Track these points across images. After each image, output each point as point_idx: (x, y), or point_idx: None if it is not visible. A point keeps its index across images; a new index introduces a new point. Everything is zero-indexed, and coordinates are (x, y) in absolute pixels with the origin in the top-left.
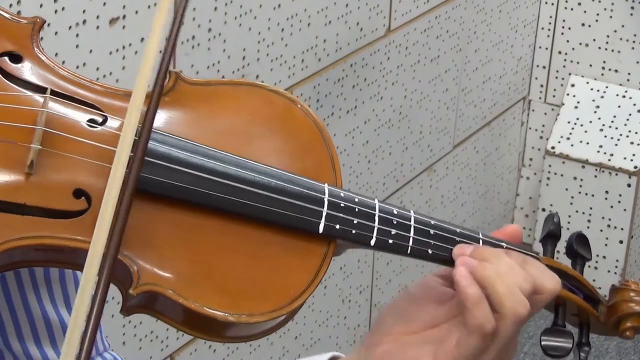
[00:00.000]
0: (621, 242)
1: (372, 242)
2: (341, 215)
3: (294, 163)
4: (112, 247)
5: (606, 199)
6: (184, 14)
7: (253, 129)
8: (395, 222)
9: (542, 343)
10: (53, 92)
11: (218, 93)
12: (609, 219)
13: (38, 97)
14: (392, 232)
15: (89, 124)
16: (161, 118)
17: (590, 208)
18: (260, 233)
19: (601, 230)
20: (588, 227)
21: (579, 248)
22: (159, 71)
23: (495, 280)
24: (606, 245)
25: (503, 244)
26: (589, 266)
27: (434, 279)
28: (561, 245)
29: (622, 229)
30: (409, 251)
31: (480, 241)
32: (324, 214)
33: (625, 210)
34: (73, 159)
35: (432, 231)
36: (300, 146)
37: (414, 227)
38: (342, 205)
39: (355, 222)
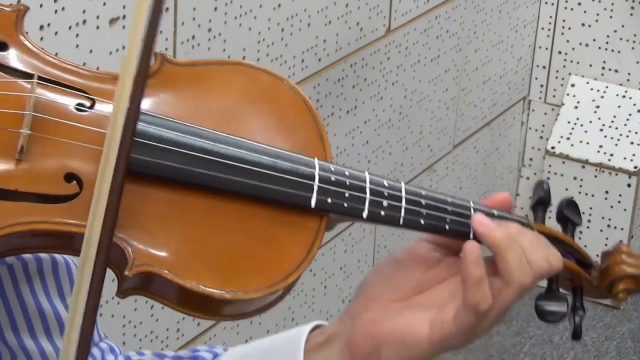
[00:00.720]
0: (621, 242)
1: (364, 214)
2: (332, 188)
3: (283, 139)
4: (107, 230)
5: (606, 199)
6: None
7: (240, 107)
8: (386, 194)
9: (538, 307)
10: (40, 78)
11: (204, 73)
12: (609, 219)
13: (26, 83)
14: (384, 204)
15: (77, 107)
16: (149, 100)
17: (590, 208)
18: (253, 210)
19: (601, 230)
20: (588, 227)
21: (569, 213)
22: (144, 50)
23: (508, 247)
24: (606, 245)
25: (494, 211)
26: None
27: (423, 244)
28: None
29: (622, 229)
30: (401, 222)
31: (472, 209)
32: (316, 188)
33: (625, 210)
34: (63, 143)
35: (423, 201)
36: (288, 122)
37: (406, 197)
38: (333, 178)
39: (346, 194)
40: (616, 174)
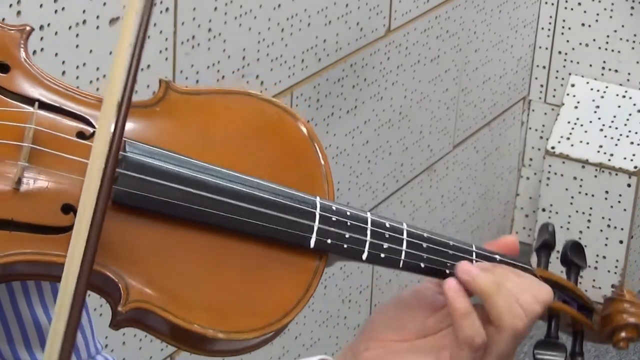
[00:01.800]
0: (621, 242)
1: (364, 256)
2: (333, 229)
3: (286, 174)
4: (87, 261)
5: (606, 199)
6: (149, 20)
7: (244, 139)
8: (387, 236)
9: (536, 357)
10: (41, 104)
11: (209, 102)
12: (609, 219)
13: (26, 111)
14: (385, 246)
15: (77, 137)
16: (150, 129)
17: (590, 208)
18: (250, 247)
19: (601, 230)
20: (588, 227)
21: (574, 257)
22: (128, 78)
23: (495, 293)
24: (606, 245)
25: (497, 256)
26: (589, 266)
27: (428, 286)
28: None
29: (622, 229)
30: (401, 265)
31: (474, 254)
32: (316, 228)
33: (625, 210)
34: (61, 175)
35: (425, 245)
36: (292, 157)
37: (407, 240)
38: (334, 219)
39: (347, 236)
40: (616, 174)
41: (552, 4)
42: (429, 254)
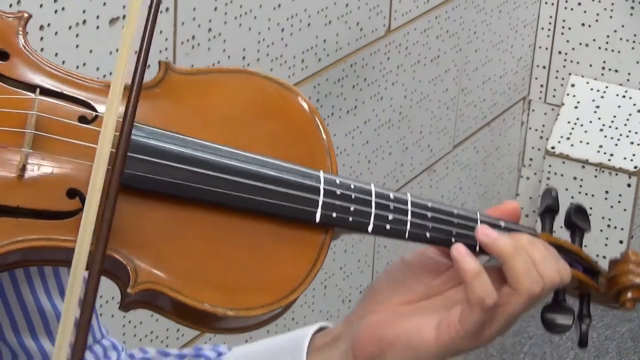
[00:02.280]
0: (621, 242)
1: (370, 228)
2: (338, 203)
3: (289, 150)
4: (100, 245)
5: (606, 199)
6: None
7: (246, 117)
8: (392, 207)
9: (544, 319)
10: (42, 90)
11: (209, 82)
12: (609, 219)
13: (27, 97)
14: (390, 217)
15: (79, 121)
16: (151, 110)
17: (590, 208)
18: (256, 224)
19: (601, 230)
20: None
21: (578, 220)
22: (138, 61)
23: (514, 255)
24: (606, 245)
25: (501, 223)
26: None
27: (431, 249)
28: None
29: (622, 229)
30: (407, 235)
31: (478, 221)
32: (320, 202)
33: (625, 210)
34: (65, 159)
35: (429, 214)
36: (294, 133)
37: (412, 210)
38: (338, 192)
39: (352, 209)
40: (616, 174)
41: (552, 4)
42: (434, 223)
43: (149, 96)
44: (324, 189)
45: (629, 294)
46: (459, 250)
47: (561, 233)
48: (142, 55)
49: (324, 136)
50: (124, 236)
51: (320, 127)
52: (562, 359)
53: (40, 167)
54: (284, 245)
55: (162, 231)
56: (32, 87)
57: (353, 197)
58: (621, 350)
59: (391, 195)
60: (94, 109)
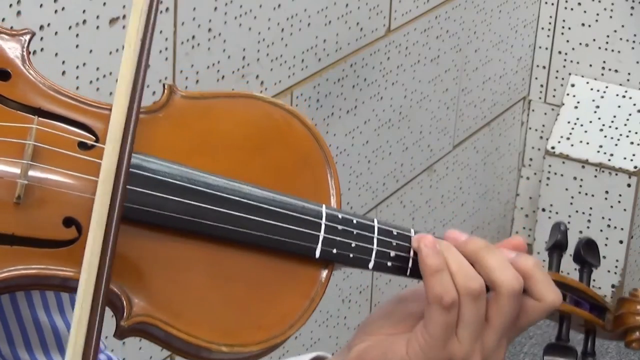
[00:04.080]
0: (621, 242)
1: (371, 265)
2: (338, 239)
3: (292, 181)
4: (103, 281)
5: (606, 199)
6: (154, 28)
7: (250, 144)
8: (394, 244)
9: None
10: (43, 113)
11: (213, 107)
12: (609, 219)
13: (26, 126)
14: (392, 255)
15: (79, 147)
16: (154, 136)
17: (590, 208)
18: (254, 259)
19: (601, 230)
20: (588, 227)
21: (587, 255)
22: (134, 90)
23: (485, 253)
24: (606, 245)
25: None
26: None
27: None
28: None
29: (622, 229)
30: (408, 273)
31: None
32: (321, 238)
33: (625, 210)
34: (61, 189)
35: None
36: (298, 162)
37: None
38: (339, 228)
39: (353, 245)
40: (616, 174)
41: (552, 4)
42: None
43: (151, 121)
44: (325, 224)
45: (636, 335)
46: (425, 241)
47: (569, 265)
48: (138, 88)
49: (329, 167)
50: (120, 268)
51: (326, 157)
52: None
53: (36, 195)
54: (283, 280)
55: (158, 264)
56: (32, 109)
57: (355, 233)
58: (621, 350)
59: (394, 232)
60: (94, 133)
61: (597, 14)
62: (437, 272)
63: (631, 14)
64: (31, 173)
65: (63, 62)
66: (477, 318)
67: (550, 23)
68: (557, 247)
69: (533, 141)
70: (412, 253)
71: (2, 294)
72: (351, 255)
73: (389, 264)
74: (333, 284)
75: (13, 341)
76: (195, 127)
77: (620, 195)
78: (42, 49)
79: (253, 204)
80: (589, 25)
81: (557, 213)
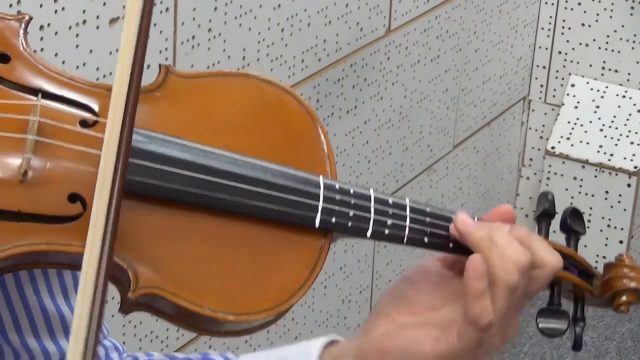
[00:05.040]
0: (621, 242)
1: (369, 233)
2: (337, 208)
3: (288, 155)
4: (106, 252)
5: (606, 199)
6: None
7: (246, 121)
8: (391, 212)
9: (539, 325)
10: (44, 94)
11: (209, 85)
12: (609, 219)
13: (29, 102)
14: (388, 222)
15: (80, 125)
16: (152, 114)
17: (590, 208)
18: (255, 229)
19: (601, 230)
20: (588, 227)
21: (573, 223)
22: (134, 66)
23: (489, 246)
24: (606, 245)
25: None
26: None
27: (433, 262)
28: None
29: (622, 229)
30: (405, 240)
31: None
32: (320, 207)
33: (625, 210)
34: (66, 164)
35: (427, 219)
36: (294, 137)
37: (410, 216)
38: (337, 198)
39: (351, 214)
40: (616, 174)
41: (552, 4)
42: (432, 229)
43: (149, 100)
44: (323, 194)
45: (623, 298)
46: (474, 265)
47: (557, 236)
48: (138, 62)
49: (324, 140)
50: (124, 240)
51: (320, 131)
52: (562, 359)
53: (41, 172)
54: (284, 250)
55: (162, 236)
56: (33, 90)
57: (352, 202)
58: (621, 350)
59: (390, 201)
60: (94, 113)
61: (597, 14)
62: (480, 296)
63: (631, 14)
64: (37, 148)
65: (63, 62)
66: (508, 309)
67: (550, 23)
68: (545, 215)
69: (533, 141)
70: (408, 221)
71: (11, 271)
72: (350, 224)
73: (387, 231)
74: (333, 284)
75: (20, 328)
76: (192, 104)
77: (620, 195)
78: (42, 49)
79: (252, 175)
80: (589, 25)
81: (557, 213)
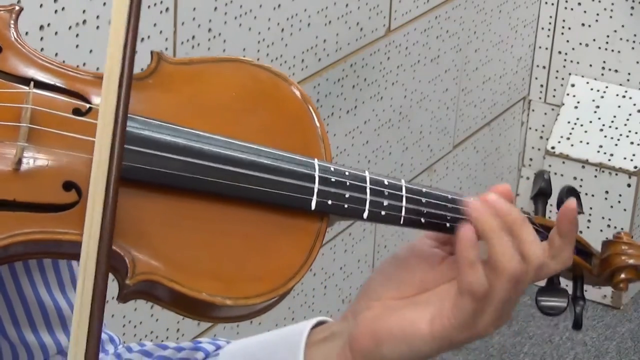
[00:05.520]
0: (622, 231)
1: (365, 214)
2: (333, 190)
3: (283, 139)
4: (105, 240)
5: (606, 199)
6: None
7: (239, 106)
8: (387, 193)
9: (539, 304)
10: (36, 83)
11: (202, 71)
12: (609, 219)
13: (21, 90)
14: (385, 204)
15: (74, 114)
16: (145, 101)
17: (590, 208)
18: (252, 213)
19: (601, 230)
20: (588, 227)
21: None
22: (125, 51)
23: (498, 235)
24: None
25: None
26: None
27: (424, 241)
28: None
29: (622, 229)
30: (402, 221)
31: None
32: (316, 190)
33: (625, 210)
34: (60, 152)
35: (424, 200)
36: (287, 120)
37: (406, 196)
38: (333, 180)
39: (347, 196)
40: (616, 174)
41: (552, 4)
42: (428, 209)
43: (142, 87)
44: (319, 176)
45: (623, 275)
46: (465, 234)
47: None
48: (130, 44)
49: (317, 123)
50: (121, 227)
51: (313, 114)
52: (562, 359)
53: (36, 160)
54: (281, 233)
55: (158, 222)
56: (25, 80)
57: (348, 184)
58: (621, 350)
59: (385, 182)
60: (87, 101)
61: (597, 14)
62: (473, 264)
63: (631, 14)
64: (30, 137)
65: (63, 62)
66: (509, 296)
67: (550, 23)
68: (541, 194)
69: (533, 141)
70: (404, 202)
71: (8, 262)
72: (346, 206)
73: (383, 212)
74: (333, 284)
75: (18, 322)
76: (185, 90)
77: (620, 195)
78: (42, 49)
79: (247, 158)
80: (589, 25)
81: (557, 213)
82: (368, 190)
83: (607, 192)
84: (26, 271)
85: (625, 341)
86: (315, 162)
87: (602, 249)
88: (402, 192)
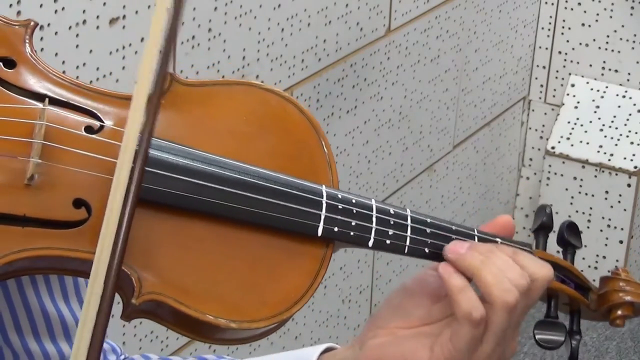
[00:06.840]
0: (621, 242)
1: (370, 243)
2: (339, 217)
3: (291, 164)
4: (116, 259)
5: (606, 199)
6: (182, 13)
7: (249, 129)
8: (392, 222)
9: (536, 337)
10: (50, 100)
11: (213, 94)
12: (609, 219)
13: (35, 107)
14: (390, 233)
15: (85, 132)
16: (158, 123)
17: (590, 208)
18: (258, 237)
19: (601, 230)
20: (588, 227)
21: (570, 237)
22: (158, 76)
23: (481, 268)
24: (606, 245)
25: (498, 239)
26: (589, 266)
27: (431, 273)
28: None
29: (622, 229)
30: (406, 250)
31: (476, 237)
32: (322, 216)
33: (625, 210)
34: (71, 170)
35: (428, 230)
36: (296, 145)
37: (411, 226)
38: (340, 207)
39: (353, 223)
40: (616, 174)
41: (552, 4)
42: (432, 239)
43: None
44: (326, 203)
45: (619, 312)
46: (443, 267)
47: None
48: (161, 69)
49: (326, 149)
50: (129, 246)
51: (322, 141)
52: (562, 359)
53: (47, 176)
54: (287, 258)
55: (166, 242)
56: (39, 96)
57: (354, 211)
58: (621, 350)
59: (391, 211)
60: (99, 119)
61: (597, 14)
62: (462, 289)
63: (631, 14)
64: (43, 153)
65: (63, 62)
66: (507, 326)
67: (550, 23)
68: (543, 228)
69: (533, 141)
70: (409, 232)
71: (15, 277)
72: (352, 233)
73: (388, 242)
74: (333, 284)
75: (21, 330)
76: (196, 113)
77: (620, 195)
78: (42, 49)
79: (257, 184)
80: (589, 25)
81: (557, 213)
82: (374, 219)
83: (607, 192)
84: (31, 281)
85: (625, 341)
86: (323, 188)
87: (600, 285)
88: (407, 221)
